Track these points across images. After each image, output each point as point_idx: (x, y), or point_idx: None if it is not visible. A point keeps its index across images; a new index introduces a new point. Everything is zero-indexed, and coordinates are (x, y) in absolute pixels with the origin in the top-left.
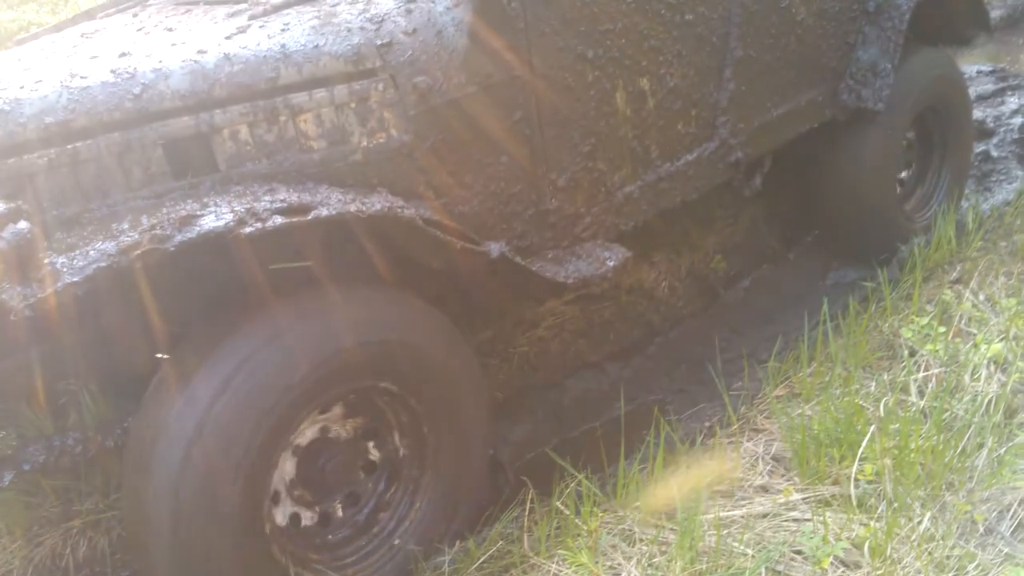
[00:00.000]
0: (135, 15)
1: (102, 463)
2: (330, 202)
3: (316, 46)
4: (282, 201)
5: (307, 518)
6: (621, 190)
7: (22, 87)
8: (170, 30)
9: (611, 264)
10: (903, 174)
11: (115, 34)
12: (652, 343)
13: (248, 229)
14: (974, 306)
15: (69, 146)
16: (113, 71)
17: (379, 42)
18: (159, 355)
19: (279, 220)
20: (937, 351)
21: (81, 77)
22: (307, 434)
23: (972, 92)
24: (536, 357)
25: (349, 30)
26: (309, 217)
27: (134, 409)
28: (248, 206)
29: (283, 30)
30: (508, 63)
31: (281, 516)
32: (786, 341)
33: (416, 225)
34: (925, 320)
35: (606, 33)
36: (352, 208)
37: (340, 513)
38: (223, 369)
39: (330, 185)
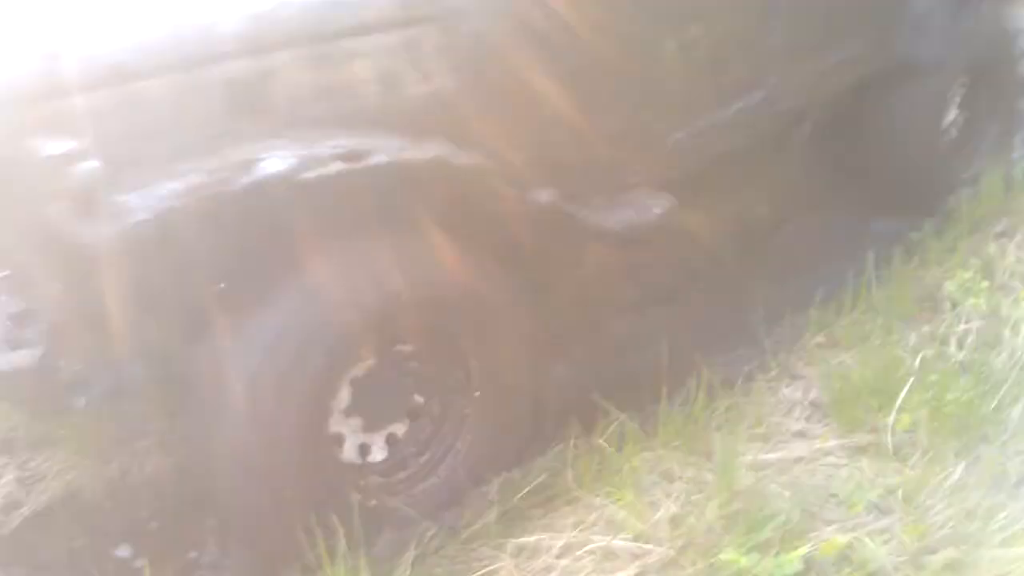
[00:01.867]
0: None
1: (167, 388)
2: (386, 149)
3: None
4: (341, 146)
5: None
6: (669, 138)
7: (86, 33)
8: None
9: (657, 212)
10: (951, 126)
11: None
12: (694, 287)
13: (309, 174)
14: (1018, 260)
15: (134, 85)
16: (177, 16)
17: None
18: (220, 286)
19: (339, 165)
20: (979, 305)
21: (145, 23)
22: (362, 367)
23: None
24: (575, 299)
25: None
26: (368, 163)
27: (197, 338)
28: (308, 151)
29: None
30: (557, 11)
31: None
32: (828, 289)
33: (468, 173)
34: (969, 274)
35: None
36: (407, 155)
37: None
38: (287, 305)
39: (384, 131)
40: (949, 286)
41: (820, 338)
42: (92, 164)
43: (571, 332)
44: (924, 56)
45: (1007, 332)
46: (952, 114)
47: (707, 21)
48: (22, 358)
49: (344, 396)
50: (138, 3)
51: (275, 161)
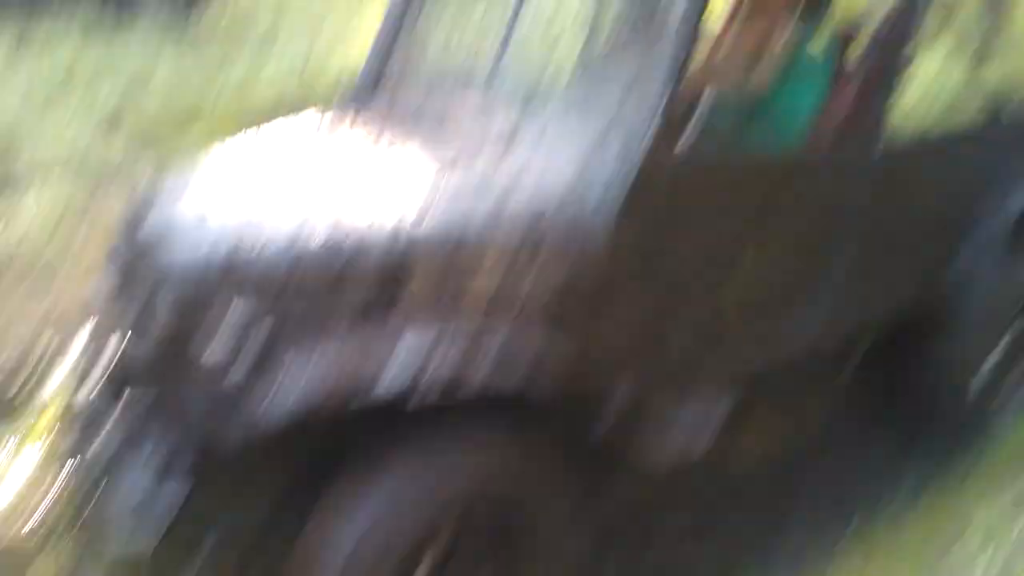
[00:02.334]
0: (350, 124)
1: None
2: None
3: (504, 208)
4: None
5: None
6: (729, 357)
7: (261, 233)
8: (384, 168)
9: (716, 417)
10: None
11: (334, 159)
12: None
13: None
14: None
15: (291, 284)
16: (337, 222)
17: (549, 209)
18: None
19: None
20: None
21: (312, 228)
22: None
23: None
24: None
25: (530, 197)
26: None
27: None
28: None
29: (480, 191)
30: (648, 238)
31: None
32: (863, 516)
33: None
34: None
35: (729, 223)
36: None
37: None
38: (369, 511)
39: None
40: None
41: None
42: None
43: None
44: (966, 307)
45: None
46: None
47: (769, 259)
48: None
49: None
50: (315, 203)
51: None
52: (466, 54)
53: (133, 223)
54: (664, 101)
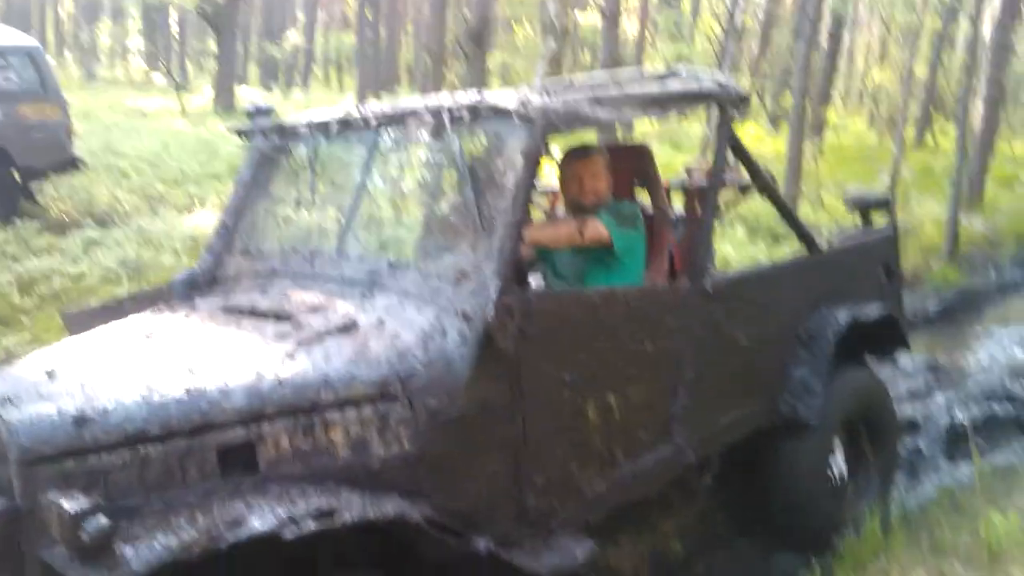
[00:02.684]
0: (187, 315)
1: None
2: (352, 506)
3: (352, 375)
4: (314, 507)
5: None
6: (591, 488)
7: (109, 398)
8: (225, 346)
9: (581, 558)
10: (836, 473)
11: (176, 340)
12: None
13: (288, 533)
14: None
15: (141, 449)
16: (187, 389)
17: (402, 373)
18: None
19: (312, 524)
20: None
21: (160, 393)
22: None
23: (904, 388)
24: None
25: (379, 362)
26: (337, 522)
27: None
28: (287, 511)
29: (326, 359)
30: (501, 388)
31: None
32: None
33: (421, 526)
34: None
35: (580, 361)
36: (371, 513)
37: None
38: None
39: (350, 487)
40: None
41: None
42: (102, 521)
43: None
44: (804, 416)
45: None
46: (837, 462)
47: (624, 391)
48: None
49: None
50: (150, 373)
51: (257, 520)
52: (306, 240)
53: None
54: (507, 258)
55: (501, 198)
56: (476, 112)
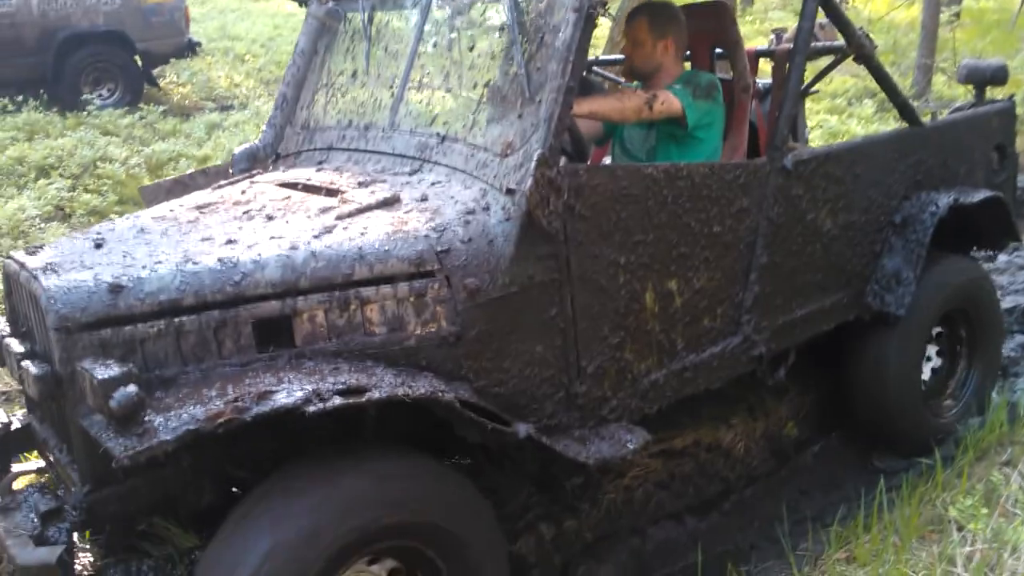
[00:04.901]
0: (243, 191)
1: None
2: (383, 384)
3: (387, 250)
4: (343, 383)
5: None
6: (647, 377)
7: (144, 267)
8: (270, 218)
9: (631, 447)
10: (930, 371)
11: (226, 213)
12: (728, 499)
13: (312, 408)
14: (1020, 488)
15: (176, 319)
16: (220, 259)
17: (439, 248)
18: (234, 491)
19: (338, 400)
20: (980, 529)
21: (193, 263)
22: None
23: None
24: (622, 504)
25: (416, 237)
26: (364, 399)
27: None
28: (315, 386)
29: (362, 234)
30: (547, 267)
31: None
32: (849, 507)
33: (453, 407)
34: (970, 500)
35: (638, 243)
36: (400, 391)
37: None
38: (274, 525)
39: (386, 365)
40: (952, 511)
41: (840, 553)
42: (131, 389)
43: (613, 533)
44: (894, 309)
45: (1006, 556)
46: (932, 361)
47: (686, 276)
48: (44, 555)
49: None
50: (190, 243)
51: (284, 394)
52: (361, 113)
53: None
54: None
55: (551, 60)
56: None
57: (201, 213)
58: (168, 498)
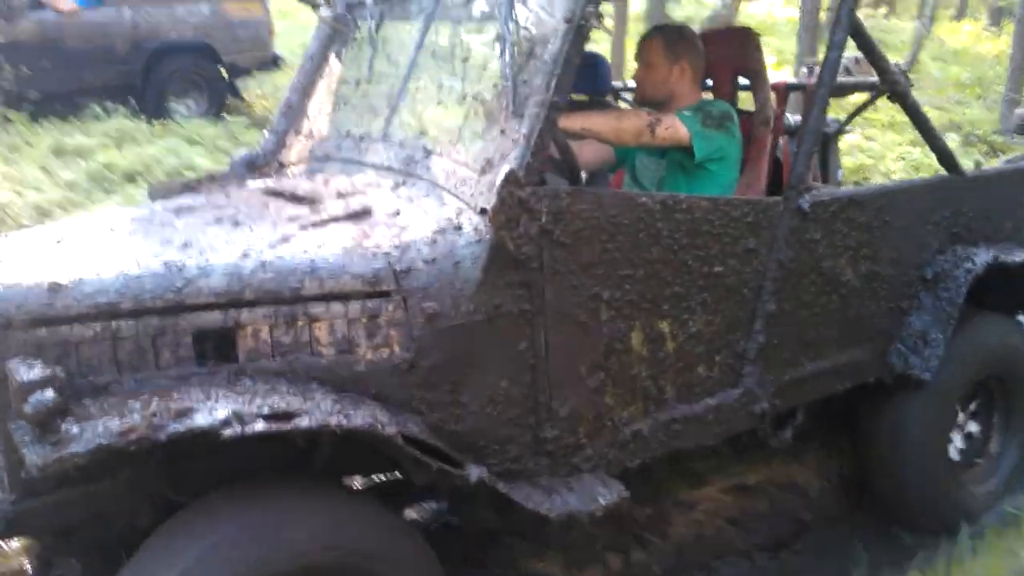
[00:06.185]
0: (227, 196)
1: None
2: (317, 411)
3: (342, 265)
4: (270, 406)
5: None
6: (628, 426)
7: (89, 267)
8: (236, 224)
9: (603, 502)
10: (960, 446)
11: (202, 217)
12: (800, 538)
13: (229, 432)
14: None
15: (112, 323)
16: (166, 263)
17: (398, 268)
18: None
19: (260, 426)
20: None
21: (137, 265)
22: None
23: None
24: (691, 539)
25: (374, 254)
26: (289, 426)
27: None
28: (239, 407)
29: (319, 246)
30: (518, 296)
31: None
32: (927, 554)
33: (395, 443)
34: None
35: (625, 278)
36: (334, 420)
37: None
38: (188, 558)
39: (329, 390)
40: None
41: None
42: (48, 395)
43: (681, 569)
44: (919, 372)
45: None
46: (964, 432)
47: (680, 318)
48: None
49: None
50: (147, 245)
51: (204, 414)
52: (359, 123)
53: None
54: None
55: (537, 73)
56: None
57: (177, 216)
58: (101, 515)
